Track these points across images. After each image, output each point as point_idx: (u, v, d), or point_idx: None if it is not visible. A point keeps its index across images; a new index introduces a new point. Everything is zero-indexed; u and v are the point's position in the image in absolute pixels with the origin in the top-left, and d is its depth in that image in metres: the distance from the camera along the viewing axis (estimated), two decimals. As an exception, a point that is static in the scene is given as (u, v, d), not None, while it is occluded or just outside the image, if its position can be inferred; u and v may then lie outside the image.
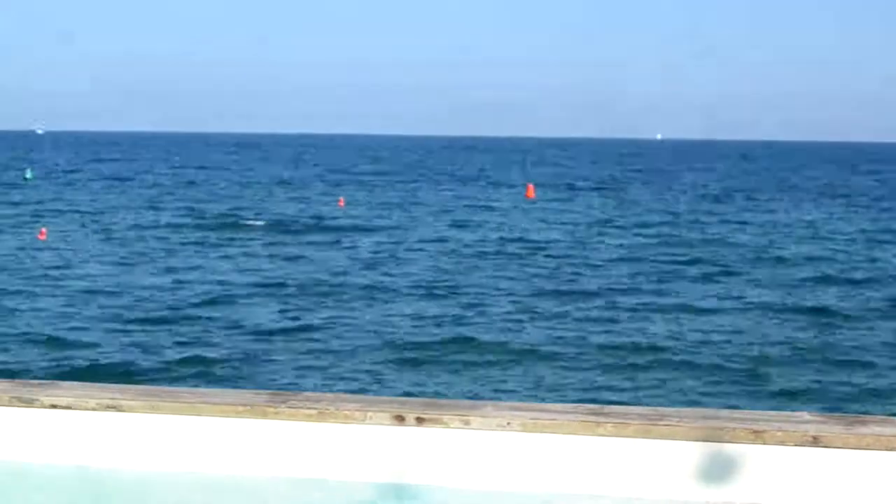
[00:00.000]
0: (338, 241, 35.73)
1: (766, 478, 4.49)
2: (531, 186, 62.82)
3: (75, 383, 5.65)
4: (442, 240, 36.31)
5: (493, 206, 52.55)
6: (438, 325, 20.31)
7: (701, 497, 4.54)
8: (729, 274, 28.39)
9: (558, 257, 31.67)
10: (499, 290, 24.94)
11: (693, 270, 28.90)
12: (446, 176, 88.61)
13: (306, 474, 4.89)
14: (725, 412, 4.92)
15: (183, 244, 34.58)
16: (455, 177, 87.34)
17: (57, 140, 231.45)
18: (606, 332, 19.76)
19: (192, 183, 72.97)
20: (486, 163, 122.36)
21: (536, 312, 21.70)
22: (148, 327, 19.99)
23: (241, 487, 4.90)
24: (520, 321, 20.84)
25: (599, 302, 23.17)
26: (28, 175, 74.79)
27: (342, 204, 51.92)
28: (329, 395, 5.44)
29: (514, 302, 23.20)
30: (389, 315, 21.27)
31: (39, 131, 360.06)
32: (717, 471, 4.55)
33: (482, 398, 13.23)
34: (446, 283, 26.01)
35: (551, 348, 18.19)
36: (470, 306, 22.55)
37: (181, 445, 5.00)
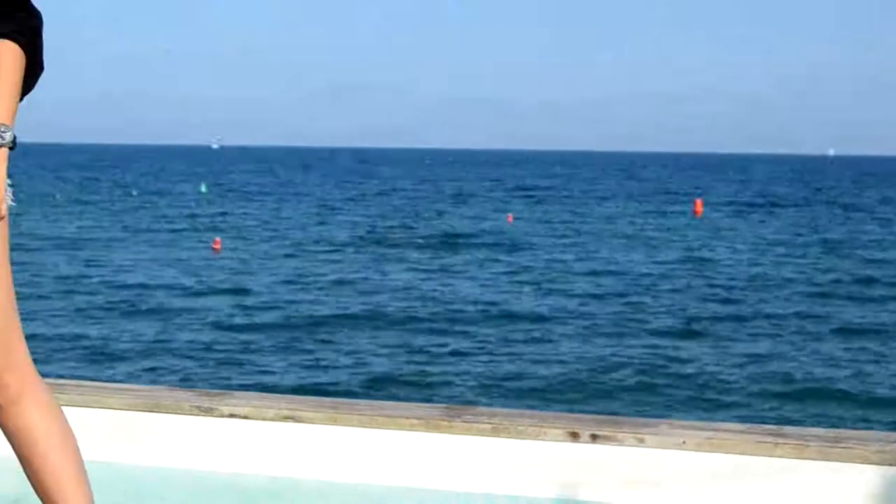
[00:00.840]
0: (502, 259, 35.61)
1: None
2: (699, 202, 61.72)
3: (252, 393, 5.77)
4: (610, 260, 35.86)
5: (662, 223, 51.67)
6: (611, 343, 20.17)
7: (883, 523, 4.44)
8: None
9: (735, 278, 30.91)
10: (668, 308, 24.68)
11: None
12: (613, 190, 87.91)
13: (478, 489, 4.93)
14: (909, 436, 4.81)
15: (351, 258, 34.91)
16: (626, 192, 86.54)
17: (231, 154, 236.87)
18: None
19: (361, 196, 73.99)
20: (664, 176, 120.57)
21: (705, 335, 21.34)
22: (316, 338, 20.32)
23: (415, 499, 4.96)
24: (689, 339, 20.59)
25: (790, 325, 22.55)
26: (203, 188, 76.96)
27: (510, 220, 51.91)
28: (503, 410, 5.46)
29: (686, 319, 22.96)
30: (564, 336, 21.14)
31: (215, 146, 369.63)
32: (901, 497, 4.45)
33: (656, 416, 13.18)
34: (611, 298, 25.81)
35: (726, 369, 17.93)
36: (639, 322, 22.39)
37: (358, 457, 5.07)
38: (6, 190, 3.03)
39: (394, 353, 19.24)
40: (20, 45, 3.00)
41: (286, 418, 5.12)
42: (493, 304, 25.21)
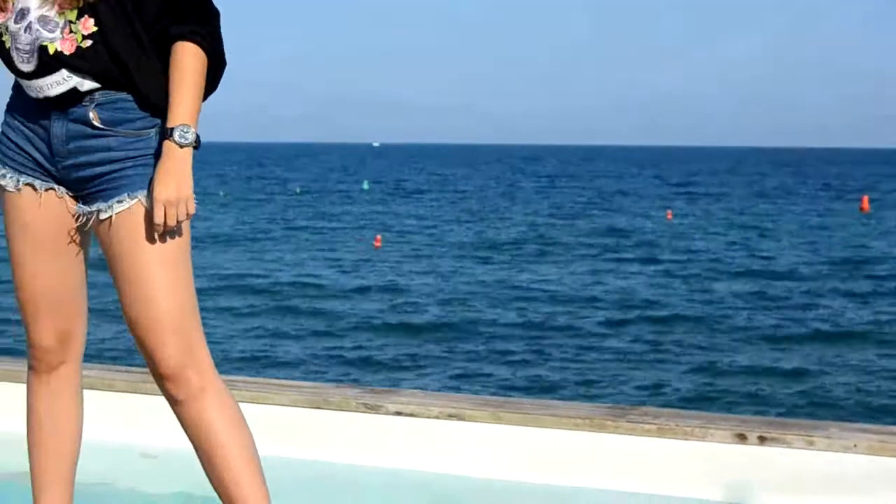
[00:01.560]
0: (663, 257, 35.21)
1: None
2: (866, 199, 59.66)
3: (418, 391, 5.89)
4: (774, 259, 35.09)
5: (826, 222, 50.10)
6: (775, 346, 19.88)
7: None
8: None
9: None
10: (835, 309, 24.17)
11: None
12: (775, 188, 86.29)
13: (643, 489, 4.95)
14: None
15: (509, 257, 34.80)
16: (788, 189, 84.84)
17: (391, 152, 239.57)
18: None
19: (518, 192, 74.00)
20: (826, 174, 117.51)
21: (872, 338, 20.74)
22: (476, 337, 20.45)
23: (580, 499, 4.99)
24: (856, 342, 20.17)
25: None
26: (365, 186, 78.16)
27: (670, 216, 51.40)
28: (669, 410, 5.50)
29: (853, 320, 22.46)
30: (727, 338, 20.86)
31: (375, 144, 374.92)
32: None
33: (824, 419, 12.95)
34: (778, 300, 25.37)
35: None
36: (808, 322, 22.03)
37: (522, 455, 5.12)
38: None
39: (555, 352, 19.28)
40: (202, 47, 3.13)
41: (450, 416, 5.21)
42: (653, 303, 25.09)
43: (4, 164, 3.33)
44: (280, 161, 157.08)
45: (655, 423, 4.98)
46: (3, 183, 3.33)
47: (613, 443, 4.97)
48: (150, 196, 3.17)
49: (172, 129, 3.12)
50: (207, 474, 3.38)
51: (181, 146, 3.13)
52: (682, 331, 21.50)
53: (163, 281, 3.25)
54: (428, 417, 5.24)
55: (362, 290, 26.82)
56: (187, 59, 3.15)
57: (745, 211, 57.98)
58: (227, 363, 16.22)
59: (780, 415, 13.99)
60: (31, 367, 3.55)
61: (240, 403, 3.49)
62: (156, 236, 3.20)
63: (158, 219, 3.14)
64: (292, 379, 8.01)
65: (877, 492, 4.56)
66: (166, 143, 3.13)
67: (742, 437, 4.82)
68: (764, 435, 4.82)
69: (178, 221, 3.18)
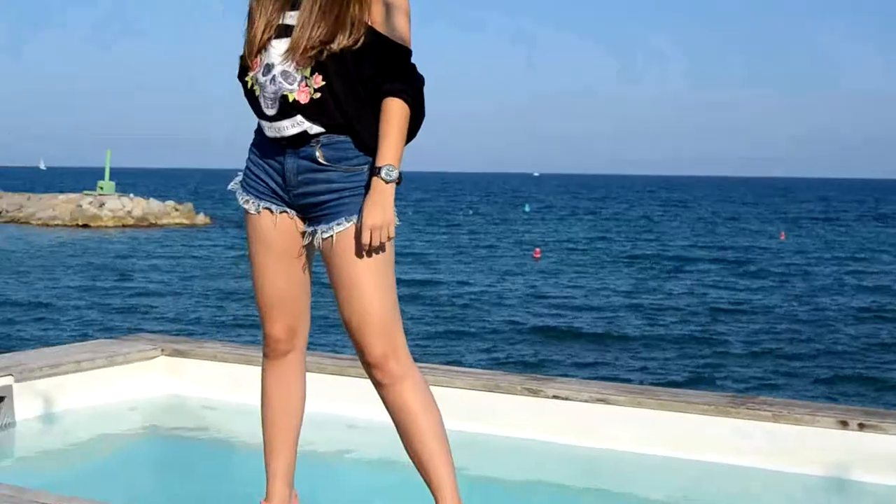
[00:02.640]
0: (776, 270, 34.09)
1: None
2: None
3: (572, 379, 5.82)
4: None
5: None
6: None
7: None
8: None
9: None
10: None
11: None
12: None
13: (759, 465, 4.85)
14: None
15: (646, 271, 34.02)
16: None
17: (547, 181, 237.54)
18: None
19: (654, 218, 72.67)
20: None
21: None
22: (619, 336, 20.25)
23: (703, 471, 4.92)
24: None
25: None
26: (526, 209, 77.76)
27: (783, 237, 49.80)
28: (781, 399, 5.35)
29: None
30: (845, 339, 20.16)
31: (535, 174, 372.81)
32: None
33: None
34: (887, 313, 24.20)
35: None
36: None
37: (658, 435, 5.07)
38: (396, 215, 3.22)
39: (685, 349, 19.00)
40: (407, 104, 3.17)
41: (598, 400, 5.14)
42: (769, 310, 24.57)
43: (248, 192, 3.39)
44: (468, 187, 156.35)
45: (770, 411, 4.87)
46: (247, 207, 3.38)
47: (734, 426, 4.89)
48: (360, 221, 3.21)
49: (380, 167, 3.16)
50: (404, 445, 3.37)
51: (387, 182, 3.17)
52: (798, 334, 20.96)
53: (371, 288, 3.27)
54: (579, 401, 5.19)
55: (521, 294, 26.75)
56: (395, 112, 3.18)
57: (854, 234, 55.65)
58: (421, 354, 16.38)
59: (878, 405, 13.54)
60: (265, 355, 3.56)
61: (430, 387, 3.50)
62: (365, 252, 3.23)
63: (366, 240, 3.17)
64: (470, 367, 7.96)
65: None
66: (375, 178, 3.17)
67: (844, 424, 4.69)
68: (864, 423, 4.68)
69: (379, 243, 3.20)
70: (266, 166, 3.35)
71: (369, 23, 3.19)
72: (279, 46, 3.21)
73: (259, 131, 3.37)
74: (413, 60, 3.24)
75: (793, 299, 26.60)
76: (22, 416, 5.54)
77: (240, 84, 3.35)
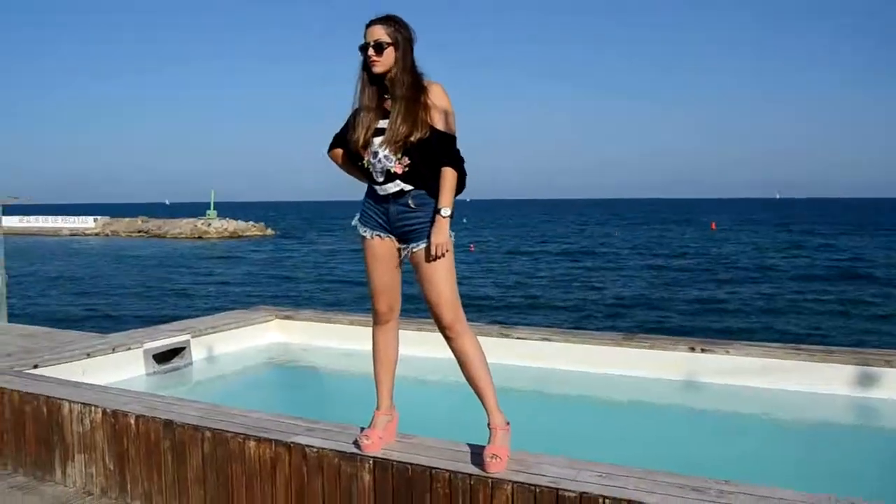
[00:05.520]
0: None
1: None
2: None
3: (528, 327, 7.14)
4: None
5: None
6: None
7: None
8: None
9: None
10: None
11: None
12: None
13: (640, 375, 6.25)
14: None
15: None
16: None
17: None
18: None
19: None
20: None
21: None
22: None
23: (609, 381, 6.29)
24: None
25: None
26: (464, 220, 77.51)
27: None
28: (655, 335, 6.66)
29: None
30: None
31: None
32: None
33: None
34: None
35: None
36: None
37: (579, 359, 6.49)
38: (451, 234, 4.11)
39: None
40: (456, 171, 4.12)
41: (544, 339, 6.55)
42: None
43: (365, 225, 4.24)
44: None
45: (647, 343, 6.26)
46: (365, 234, 4.22)
47: (624, 353, 6.20)
48: (430, 240, 4.08)
49: (440, 209, 4.06)
50: (464, 374, 4.18)
51: (443, 217, 4.05)
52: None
53: (442, 280, 4.08)
54: (533, 340, 6.52)
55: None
56: (448, 176, 4.04)
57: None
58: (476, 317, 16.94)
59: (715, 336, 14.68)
60: (375, 322, 4.35)
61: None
62: (435, 259, 4.09)
63: (434, 252, 4.06)
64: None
65: None
66: (437, 215, 4.07)
67: (692, 349, 6.09)
68: (704, 348, 6.08)
69: (443, 253, 4.08)
70: (376, 210, 4.21)
71: (431, 123, 4.03)
72: (378, 142, 4.07)
73: (370, 189, 4.26)
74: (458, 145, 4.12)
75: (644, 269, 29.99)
76: (196, 357, 7.22)
77: (328, 156, 4.35)
